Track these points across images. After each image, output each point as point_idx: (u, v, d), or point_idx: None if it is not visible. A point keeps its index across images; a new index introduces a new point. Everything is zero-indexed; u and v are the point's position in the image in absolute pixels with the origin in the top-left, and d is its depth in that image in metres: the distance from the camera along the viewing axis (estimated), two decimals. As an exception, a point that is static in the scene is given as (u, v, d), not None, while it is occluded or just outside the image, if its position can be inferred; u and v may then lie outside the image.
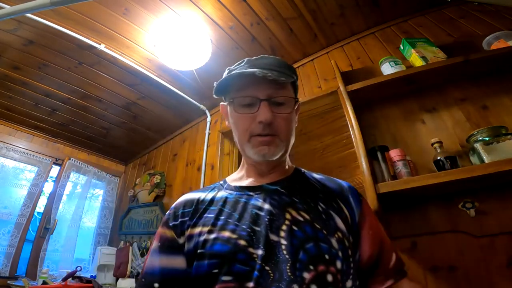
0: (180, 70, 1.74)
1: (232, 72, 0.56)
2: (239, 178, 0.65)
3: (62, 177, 2.23)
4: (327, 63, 1.63)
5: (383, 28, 1.51)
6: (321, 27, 1.55)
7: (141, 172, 2.50)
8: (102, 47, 1.55)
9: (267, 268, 0.45)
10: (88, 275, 1.85)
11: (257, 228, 0.50)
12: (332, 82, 1.51)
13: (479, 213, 0.90)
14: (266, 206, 0.53)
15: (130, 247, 2.00)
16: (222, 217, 0.53)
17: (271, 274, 0.44)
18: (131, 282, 1.82)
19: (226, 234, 0.49)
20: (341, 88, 1.18)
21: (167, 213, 0.61)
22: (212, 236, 0.50)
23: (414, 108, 1.17)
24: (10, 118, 2.08)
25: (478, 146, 0.88)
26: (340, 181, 0.64)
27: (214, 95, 0.61)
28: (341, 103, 1.22)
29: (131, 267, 1.89)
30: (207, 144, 1.97)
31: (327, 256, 0.46)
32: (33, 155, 2.14)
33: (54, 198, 2.12)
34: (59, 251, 2.05)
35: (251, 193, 0.57)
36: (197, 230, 0.53)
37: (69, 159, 2.33)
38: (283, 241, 0.47)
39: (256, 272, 0.44)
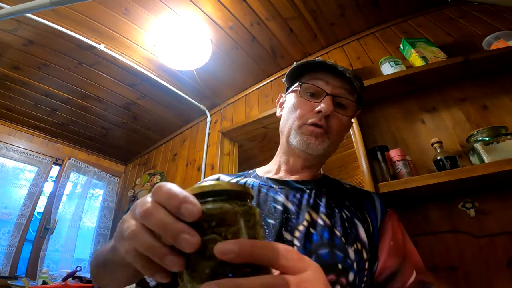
0: (180, 70, 1.74)
1: (313, 60, 0.58)
2: (268, 170, 0.65)
3: (62, 177, 2.23)
4: (327, 63, 1.63)
5: (383, 28, 1.51)
6: (321, 27, 1.55)
7: (141, 172, 2.50)
8: (102, 47, 1.55)
9: None
10: (88, 275, 1.85)
11: (271, 222, 0.48)
12: (332, 82, 1.51)
13: (479, 213, 0.90)
14: (286, 203, 0.52)
15: (130, 247, 2.00)
16: None
17: None
18: (131, 282, 1.81)
19: None
20: (341, 88, 1.18)
21: None
22: None
23: (414, 108, 1.17)
24: (10, 118, 2.08)
25: (478, 146, 0.88)
26: (368, 191, 0.62)
27: (284, 80, 0.66)
28: (341, 103, 1.22)
29: (131, 267, 1.89)
30: (207, 144, 1.97)
31: (340, 266, 0.43)
32: (33, 155, 2.14)
33: (54, 198, 2.12)
34: (59, 251, 2.05)
35: (274, 186, 0.57)
36: None
37: (69, 159, 2.33)
38: (296, 242, 0.45)
39: None
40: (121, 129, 2.32)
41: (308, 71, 0.61)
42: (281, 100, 0.70)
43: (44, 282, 1.65)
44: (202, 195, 0.22)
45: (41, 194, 2.10)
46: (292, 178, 0.59)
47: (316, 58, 0.58)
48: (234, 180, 0.62)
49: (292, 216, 0.49)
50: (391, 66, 1.19)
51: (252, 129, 1.83)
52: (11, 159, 2.01)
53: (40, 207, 2.13)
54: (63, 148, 2.39)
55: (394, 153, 1.00)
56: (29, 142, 2.17)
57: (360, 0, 1.40)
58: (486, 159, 0.84)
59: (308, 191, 0.55)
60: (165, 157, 2.36)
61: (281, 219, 0.48)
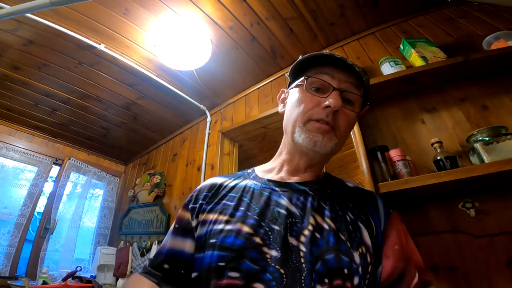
0: (180, 70, 1.74)
1: (321, 52, 0.55)
2: (269, 170, 0.62)
3: (62, 177, 2.23)
4: (327, 63, 1.63)
5: (383, 28, 1.51)
6: (321, 27, 1.55)
7: (141, 172, 2.50)
8: (102, 47, 1.55)
9: (282, 271, 0.42)
10: (88, 275, 1.85)
11: (276, 228, 0.46)
12: (332, 82, 1.51)
13: (479, 213, 0.90)
14: (290, 206, 0.50)
15: (130, 247, 2.00)
16: (242, 208, 0.51)
17: (285, 279, 0.41)
18: (131, 282, 1.81)
19: (243, 227, 0.47)
20: (341, 88, 1.18)
21: (190, 194, 0.61)
22: (228, 227, 0.48)
23: (414, 108, 1.17)
24: (10, 118, 2.08)
25: (478, 146, 0.87)
26: (371, 192, 0.60)
27: (287, 74, 0.62)
28: (341, 103, 1.22)
29: (131, 267, 1.89)
30: (207, 144, 1.97)
31: (346, 271, 0.42)
32: (33, 155, 2.14)
33: (54, 198, 2.12)
34: (59, 251, 2.05)
35: (276, 189, 0.54)
36: (213, 217, 0.51)
37: (69, 159, 2.33)
38: (303, 247, 0.44)
39: (268, 275, 0.41)
40: (121, 129, 2.32)
41: (313, 65, 0.58)
42: (283, 96, 0.66)
43: (44, 282, 1.65)
44: None
45: (41, 194, 2.10)
46: (294, 179, 0.57)
47: (324, 52, 0.55)
48: (233, 183, 0.59)
49: (297, 220, 0.48)
50: (391, 66, 1.19)
51: (252, 129, 1.83)
52: (11, 159, 2.01)
53: (40, 207, 2.14)
54: (63, 148, 2.39)
55: (394, 153, 1.00)
56: (29, 142, 2.18)
57: (360, 0, 1.40)
58: (486, 159, 0.84)
59: (312, 193, 0.53)
60: (165, 157, 2.36)
61: (285, 224, 0.47)
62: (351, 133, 1.15)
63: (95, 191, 2.60)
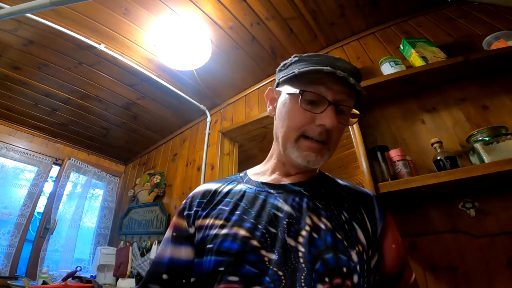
0: (180, 70, 1.74)
1: (311, 67, 0.51)
2: (261, 172, 0.62)
3: (62, 177, 2.23)
4: (327, 63, 1.63)
5: (383, 28, 1.51)
6: (321, 27, 1.55)
7: (141, 172, 2.50)
8: (102, 47, 1.55)
9: (280, 273, 0.42)
10: (88, 275, 1.85)
11: (273, 230, 0.47)
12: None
13: (479, 213, 0.90)
14: (286, 208, 0.50)
15: (130, 247, 2.00)
16: (237, 212, 0.51)
17: (283, 281, 0.41)
18: (131, 282, 1.82)
19: (239, 231, 0.47)
20: (341, 88, 1.18)
21: (184, 201, 0.60)
22: (224, 231, 0.48)
23: (414, 108, 1.17)
24: (10, 118, 2.08)
25: (478, 146, 0.88)
26: (365, 190, 0.60)
27: (277, 79, 0.60)
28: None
29: (131, 267, 1.89)
30: (207, 144, 1.97)
31: (345, 269, 0.43)
32: (33, 155, 2.14)
33: (54, 198, 2.12)
34: (59, 251, 2.05)
35: (271, 191, 0.54)
36: (209, 222, 0.51)
37: (69, 159, 2.33)
38: (301, 248, 0.45)
39: (266, 277, 0.42)
40: (121, 129, 2.32)
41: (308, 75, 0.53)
42: (271, 95, 0.62)
43: (44, 282, 1.65)
44: None
45: (41, 194, 2.10)
46: (288, 180, 0.57)
47: (325, 69, 0.49)
48: (227, 188, 0.58)
49: (294, 221, 0.48)
50: (391, 66, 1.19)
51: (252, 129, 1.83)
52: (11, 159, 2.01)
53: (40, 207, 2.14)
54: (63, 148, 2.39)
55: (394, 153, 1.01)
56: (29, 142, 2.17)
57: (360, 0, 1.40)
58: (486, 159, 0.84)
59: (307, 193, 0.54)
60: (165, 157, 2.36)
61: (283, 226, 0.47)
62: (351, 133, 1.15)
63: (95, 191, 2.60)
